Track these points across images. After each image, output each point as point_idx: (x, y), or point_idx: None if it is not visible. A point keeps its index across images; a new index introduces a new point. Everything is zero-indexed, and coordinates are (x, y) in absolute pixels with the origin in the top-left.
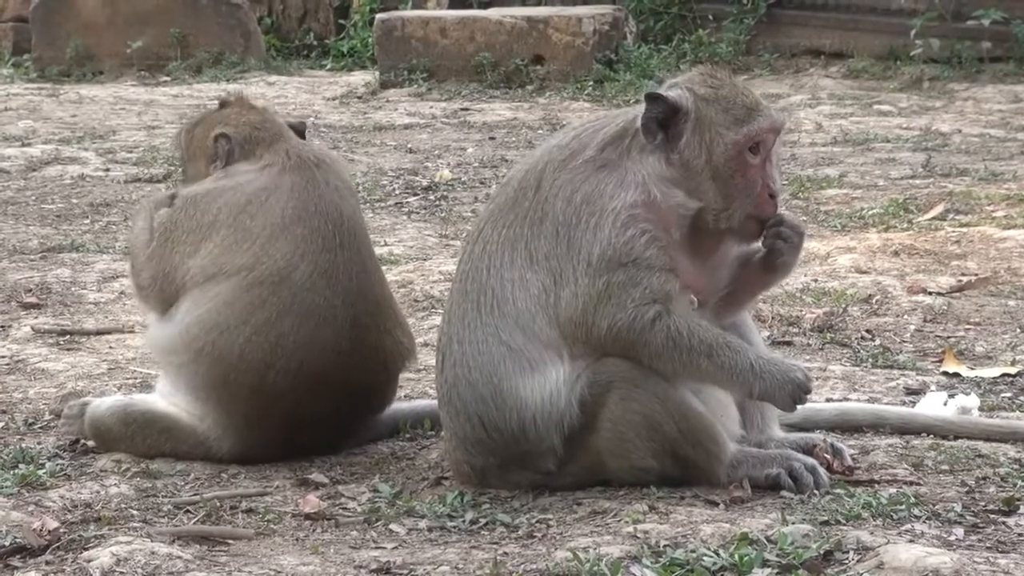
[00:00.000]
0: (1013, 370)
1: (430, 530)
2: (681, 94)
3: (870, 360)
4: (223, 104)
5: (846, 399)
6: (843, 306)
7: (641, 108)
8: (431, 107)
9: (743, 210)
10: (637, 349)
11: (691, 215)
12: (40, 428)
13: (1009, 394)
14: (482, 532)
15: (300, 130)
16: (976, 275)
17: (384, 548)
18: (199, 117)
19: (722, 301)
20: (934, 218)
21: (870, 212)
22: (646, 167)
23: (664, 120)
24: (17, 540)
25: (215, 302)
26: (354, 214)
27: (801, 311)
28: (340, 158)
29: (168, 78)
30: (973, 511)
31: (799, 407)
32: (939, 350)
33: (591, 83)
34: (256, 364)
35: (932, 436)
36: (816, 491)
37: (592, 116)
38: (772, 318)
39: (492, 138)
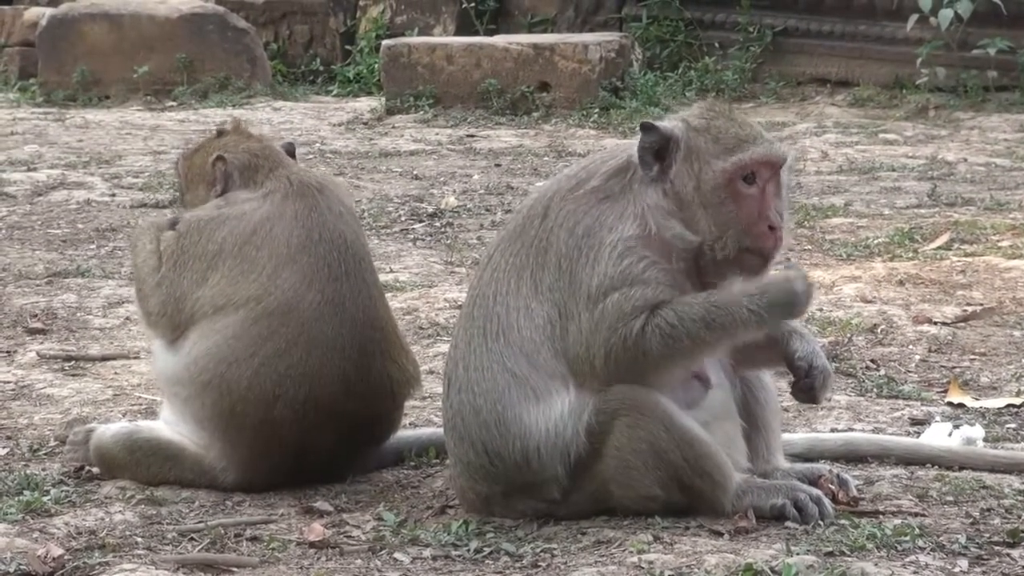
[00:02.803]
0: (1018, 401)
1: (435, 559)
2: (674, 124)
3: (875, 390)
4: (221, 132)
5: (851, 429)
6: (848, 336)
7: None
8: (437, 133)
9: (737, 240)
10: (639, 363)
11: (692, 249)
12: (45, 454)
13: (1014, 425)
14: (487, 561)
15: (290, 152)
16: (981, 305)
17: None
18: (197, 145)
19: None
20: (939, 247)
21: (875, 241)
22: (647, 199)
23: (660, 151)
24: (22, 567)
25: (223, 334)
26: (358, 240)
27: None
28: (342, 183)
29: (174, 103)
30: (978, 543)
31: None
32: (944, 380)
33: (597, 110)
34: (264, 395)
35: (937, 467)
36: (821, 522)
37: (605, 146)
38: None
39: (498, 165)
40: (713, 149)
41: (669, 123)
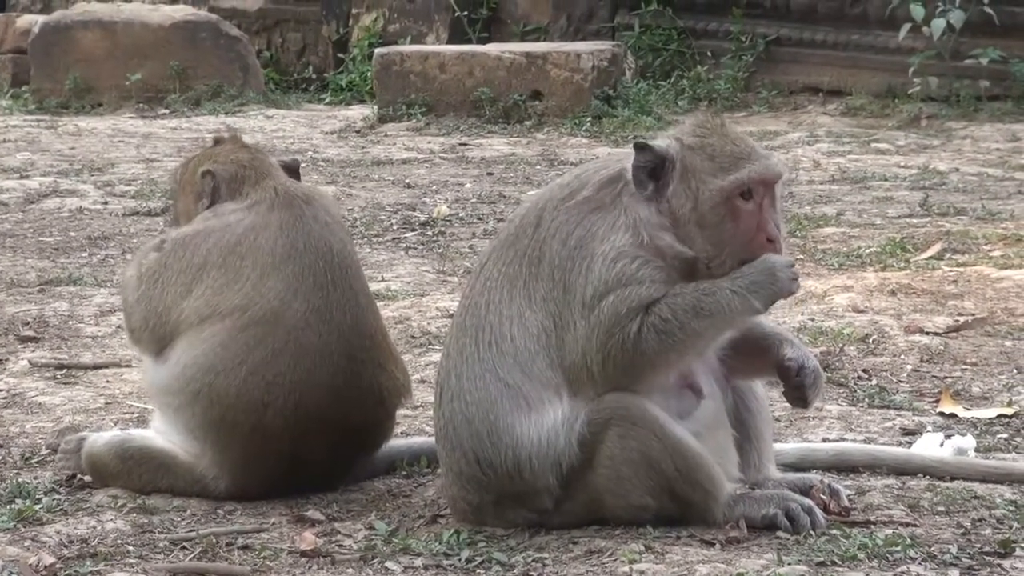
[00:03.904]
0: (1010, 411)
1: (426, 568)
2: (668, 143)
3: (867, 400)
4: (217, 141)
5: (843, 439)
6: (840, 345)
7: (630, 157)
8: (429, 142)
9: (736, 256)
10: (638, 364)
11: (687, 260)
12: (37, 463)
13: (1005, 435)
14: (478, 571)
15: (293, 168)
16: (973, 315)
17: None
18: (195, 153)
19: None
20: (931, 257)
21: (867, 251)
22: (639, 211)
23: (654, 170)
24: (14, 575)
25: (210, 343)
26: (344, 249)
27: None
28: (329, 194)
29: (167, 111)
30: (969, 553)
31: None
32: (936, 390)
33: (589, 119)
34: (253, 404)
35: (928, 477)
36: (812, 532)
37: (597, 155)
38: None
39: (490, 173)
40: (709, 168)
41: (663, 142)
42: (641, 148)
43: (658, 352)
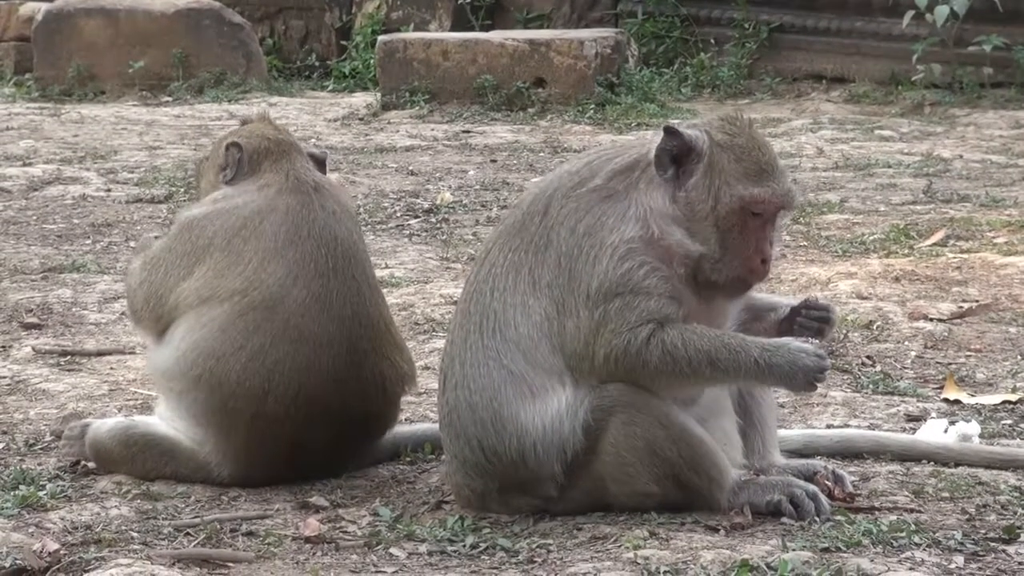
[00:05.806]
0: (1014, 397)
1: (430, 554)
2: (698, 134)
3: (871, 386)
4: (244, 123)
5: (847, 425)
6: (844, 332)
7: (656, 139)
8: (432, 129)
9: (733, 268)
10: (637, 372)
11: (694, 258)
12: (41, 449)
13: (1010, 421)
14: (482, 557)
15: (321, 160)
16: (977, 301)
17: (384, 572)
18: (225, 134)
19: None
20: (935, 244)
21: (871, 238)
22: (651, 202)
23: (677, 156)
24: (18, 562)
25: (210, 328)
26: (349, 238)
27: None
28: (341, 184)
29: (170, 98)
30: (974, 539)
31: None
32: (940, 377)
33: (592, 106)
34: (254, 391)
35: (933, 463)
36: (817, 518)
37: (607, 144)
38: None
39: (493, 161)
40: (735, 171)
41: (693, 132)
42: (671, 133)
43: (658, 370)
